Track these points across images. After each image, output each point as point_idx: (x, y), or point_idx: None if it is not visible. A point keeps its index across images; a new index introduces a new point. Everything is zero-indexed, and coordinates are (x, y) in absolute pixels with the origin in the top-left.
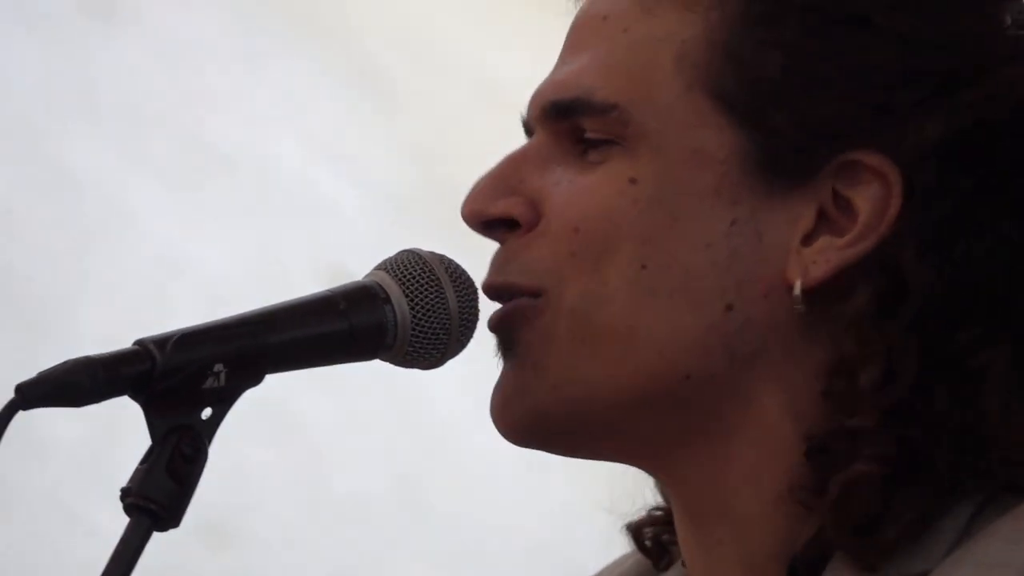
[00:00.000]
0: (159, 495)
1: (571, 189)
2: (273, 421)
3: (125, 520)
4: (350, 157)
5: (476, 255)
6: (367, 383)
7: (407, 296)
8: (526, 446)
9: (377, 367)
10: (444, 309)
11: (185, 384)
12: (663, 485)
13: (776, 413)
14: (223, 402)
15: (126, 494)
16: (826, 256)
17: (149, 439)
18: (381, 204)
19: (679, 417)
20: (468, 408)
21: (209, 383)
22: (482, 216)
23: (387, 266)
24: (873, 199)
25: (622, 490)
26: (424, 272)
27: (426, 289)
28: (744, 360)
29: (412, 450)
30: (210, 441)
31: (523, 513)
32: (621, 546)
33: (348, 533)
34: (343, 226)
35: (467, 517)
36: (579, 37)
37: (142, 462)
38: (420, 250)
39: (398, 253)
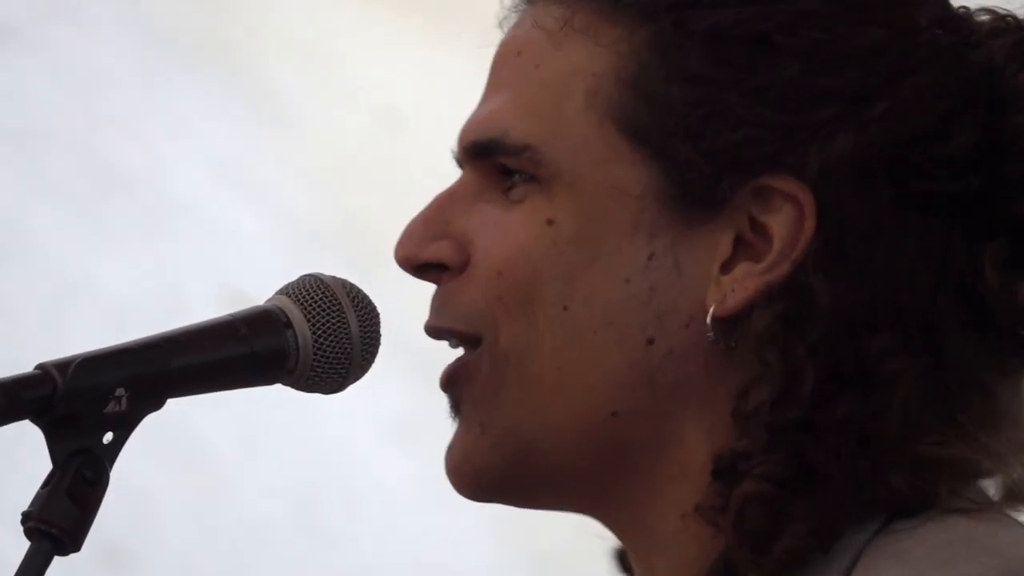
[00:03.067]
0: (60, 519)
1: (494, 230)
2: (173, 445)
3: (26, 544)
4: (250, 180)
5: (377, 279)
6: (267, 407)
7: (309, 321)
8: (486, 502)
9: (277, 391)
10: (346, 334)
11: (87, 408)
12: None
13: (696, 440)
14: (125, 426)
15: (27, 518)
16: (744, 283)
17: (50, 463)
18: (281, 228)
19: (611, 455)
20: (367, 431)
21: (111, 407)
22: (413, 261)
23: (289, 291)
24: (787, 223)
25: (512, 513)
26: (326, 297)
27: (328, 314)
28: (668, 392)
29: (311, 473)
30: (112, 465)
31: (422, 536)
32: (516, 566)
33: (247, 557)
34: (242, 249)
35: (365, 541)
36: (497, 74)
37: (43, 486)
38: (322, 275)
39: (300, 278)
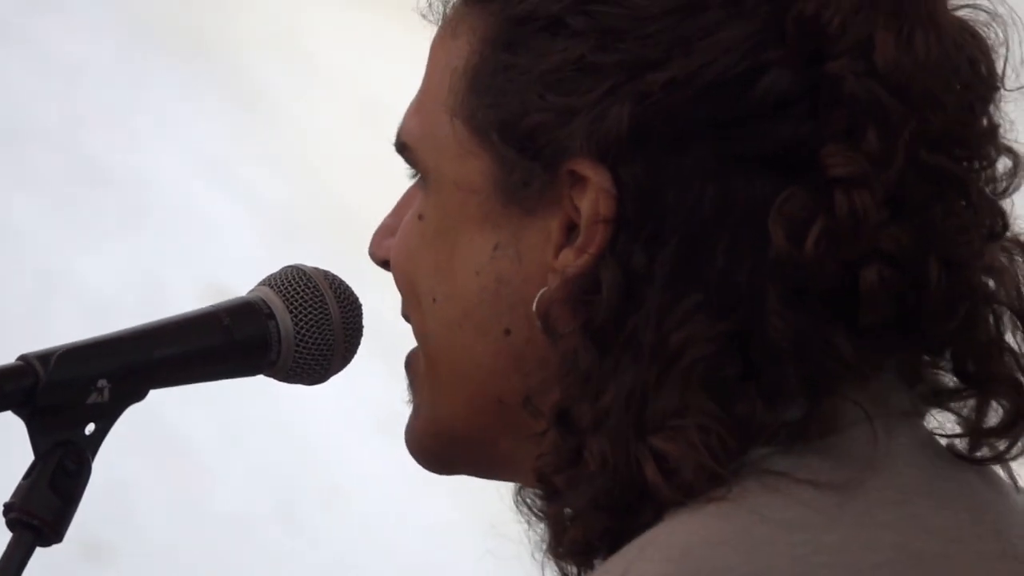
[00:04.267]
0: (42, 510)
1: (400, 228)
2: (152, 437)
3: (7, 535)
4: (232, 173)
5: (360, 271)
6: (248, 400)
7: (291, 312)
8: (444, 474)
9: (258, 383)
10: (328, 324)
11: (69, 399)
12: None
13: None
14: (106, 417)
15: (9, 509)
16: (563, 269)
17: (32, 454)
18: (262, 221)
19: (517, 440)
20: (350, 423)
21: (93, 398)
22: (374, 259)
23: (271, 282)
24: (590, 206)
25: (503, 508)
26: (308, 288)
27: (310, 305)
28: (537, 379)
29: (293, 466)
30: (94, 456)
31: (404, 531)
32: (499, 563)
33: (228, 550)
34: (222, 242)
35: (347, 535)
36: None
37: (25, 477)
38: (304, 266)
39: (282, 269)
